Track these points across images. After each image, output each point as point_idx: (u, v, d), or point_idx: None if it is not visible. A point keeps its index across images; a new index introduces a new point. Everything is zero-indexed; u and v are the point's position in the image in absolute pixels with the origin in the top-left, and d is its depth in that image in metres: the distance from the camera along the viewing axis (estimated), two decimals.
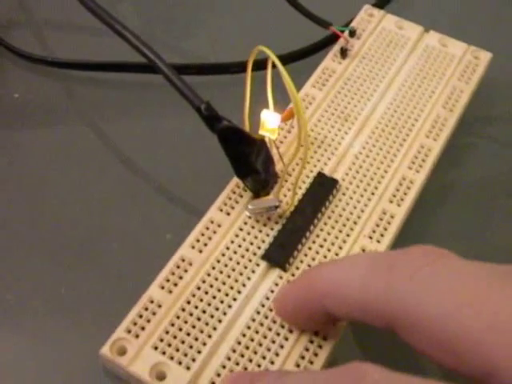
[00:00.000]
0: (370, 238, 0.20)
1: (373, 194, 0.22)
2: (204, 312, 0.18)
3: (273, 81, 0.20)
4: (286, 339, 0.18)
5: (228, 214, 0.21)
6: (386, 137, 0.23)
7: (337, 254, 0.20)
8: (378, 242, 0.20)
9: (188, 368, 0.17)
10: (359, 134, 0.23)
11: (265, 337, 0.18)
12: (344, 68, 0.25)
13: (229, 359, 0.18)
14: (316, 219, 0.20)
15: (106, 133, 0.26)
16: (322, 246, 0.20)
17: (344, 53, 0.25)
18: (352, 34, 0.26)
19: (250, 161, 0.20)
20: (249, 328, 0.18)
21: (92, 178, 0.24)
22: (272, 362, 0.18)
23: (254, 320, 0.18)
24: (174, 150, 0.25)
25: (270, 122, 0.20)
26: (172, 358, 0.17)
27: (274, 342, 0.18)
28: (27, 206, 0.23)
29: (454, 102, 0.24)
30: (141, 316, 0.18)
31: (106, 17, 0.21)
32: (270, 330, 0.18)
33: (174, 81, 0.19)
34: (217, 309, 0.19)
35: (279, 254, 0.20)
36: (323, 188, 0.21)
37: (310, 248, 0.20)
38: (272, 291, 0.19)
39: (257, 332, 0.18)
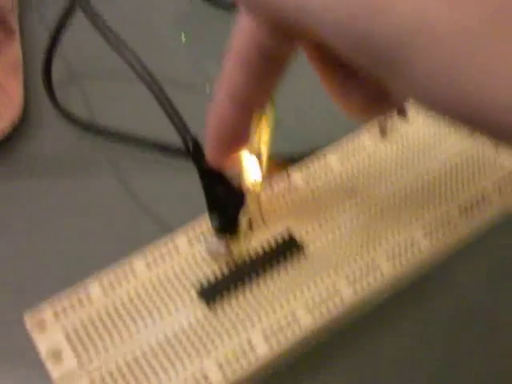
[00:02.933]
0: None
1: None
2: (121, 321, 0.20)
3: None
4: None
5: (190, 242, 0.22)
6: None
7: (268, 313, 0.21)
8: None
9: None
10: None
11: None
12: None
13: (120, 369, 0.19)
14: (260, 276, 0.21)
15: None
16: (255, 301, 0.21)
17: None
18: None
19: (222, 204, 0.21)
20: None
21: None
22: None
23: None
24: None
25: (251, 173, 0.22)
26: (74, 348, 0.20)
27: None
28: None
29: None
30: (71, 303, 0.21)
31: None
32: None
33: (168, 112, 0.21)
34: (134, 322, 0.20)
35: (211, 293, 0.21)
36: (284, 247, 0.22)
37: (243, 298, 0.21)
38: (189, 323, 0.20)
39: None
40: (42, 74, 0.28)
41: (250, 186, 0.21)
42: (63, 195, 0.27)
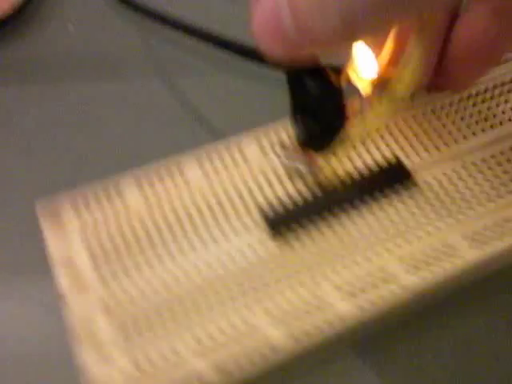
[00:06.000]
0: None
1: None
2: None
3: None
4: None
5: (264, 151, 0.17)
6: None
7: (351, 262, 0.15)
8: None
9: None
10: None
11: None
12: None
13: None
14: (354, 208, 0.16)
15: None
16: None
17: None
18: None
19: (313, 105, 0.15)
20: None
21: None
22: None
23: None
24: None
25: (363, 69, 0.16)
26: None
27: None
28: None
29: None
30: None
31: None
32: None
33: None
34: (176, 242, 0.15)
35: (280, 223, 0.15)
36: (388, 178, 0.16)
37: (321, 235, 0.15)
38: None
39: None
40: None
41: (359, 86, 0.16)
42: (105, 90, 0.21)
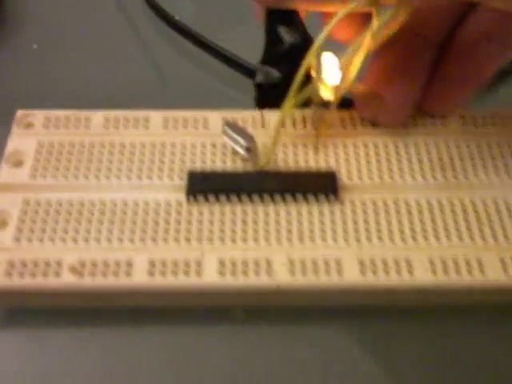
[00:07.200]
0: None
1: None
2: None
3: None
4: None
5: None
6: None
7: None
8: None
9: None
10: None
11: None
12: None
13: None
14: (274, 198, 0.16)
15: None
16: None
17: None
18: None
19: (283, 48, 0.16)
20: None
21: None
22: None
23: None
24: None
25: (328, 75, 0.16)
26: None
27: None
28: None
29: None
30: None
31: None
32: None
33: None
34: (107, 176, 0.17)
35: (198, 186, 0.16)
36: (317, 185, 0.17)
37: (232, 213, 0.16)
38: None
39: None
40: None
41: (323, 91, 0.16)
42: None
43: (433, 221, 0.16)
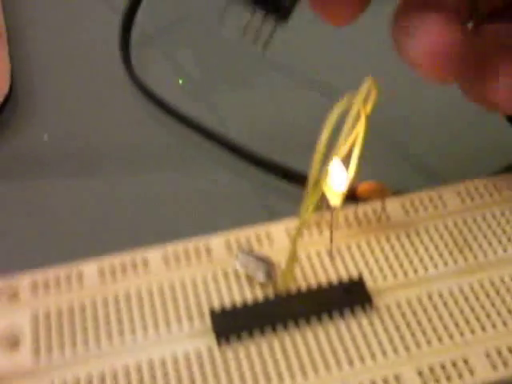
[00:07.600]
0: None
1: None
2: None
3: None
4: None
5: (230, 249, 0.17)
6: None
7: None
8: None
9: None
10: None
11: None
12: None
13: None
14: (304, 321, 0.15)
15: None
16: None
17: None
18: None
19: None
20: None
21: None
22: None
23: None
24: None
25: (335, 182, 0.16)
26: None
27: None
28: None
29: None
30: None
31: None
32: None
33: None
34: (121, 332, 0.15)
35: (226, 326, 0.15)
36: (349, 298, 0.16)
37: (268, 347, 0.15)
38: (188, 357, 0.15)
39: None
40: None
41: (331, 198, 0.16)
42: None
43: (472, 309, 0.16)
